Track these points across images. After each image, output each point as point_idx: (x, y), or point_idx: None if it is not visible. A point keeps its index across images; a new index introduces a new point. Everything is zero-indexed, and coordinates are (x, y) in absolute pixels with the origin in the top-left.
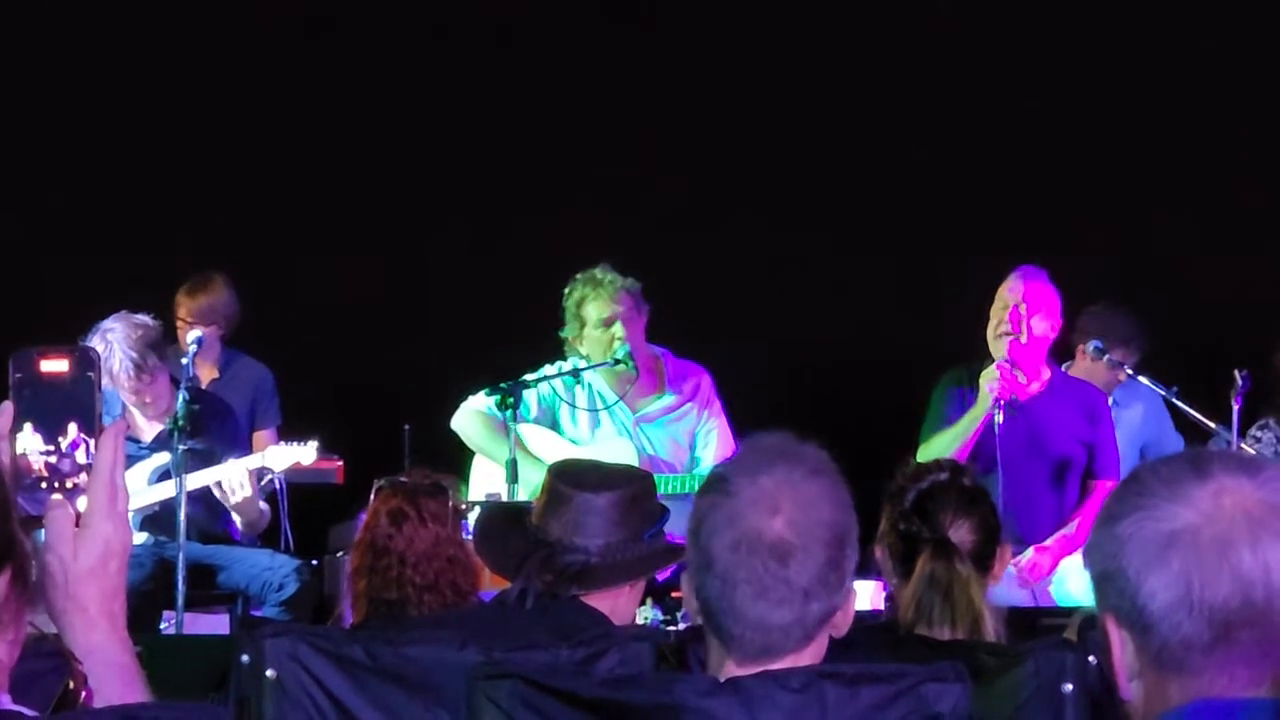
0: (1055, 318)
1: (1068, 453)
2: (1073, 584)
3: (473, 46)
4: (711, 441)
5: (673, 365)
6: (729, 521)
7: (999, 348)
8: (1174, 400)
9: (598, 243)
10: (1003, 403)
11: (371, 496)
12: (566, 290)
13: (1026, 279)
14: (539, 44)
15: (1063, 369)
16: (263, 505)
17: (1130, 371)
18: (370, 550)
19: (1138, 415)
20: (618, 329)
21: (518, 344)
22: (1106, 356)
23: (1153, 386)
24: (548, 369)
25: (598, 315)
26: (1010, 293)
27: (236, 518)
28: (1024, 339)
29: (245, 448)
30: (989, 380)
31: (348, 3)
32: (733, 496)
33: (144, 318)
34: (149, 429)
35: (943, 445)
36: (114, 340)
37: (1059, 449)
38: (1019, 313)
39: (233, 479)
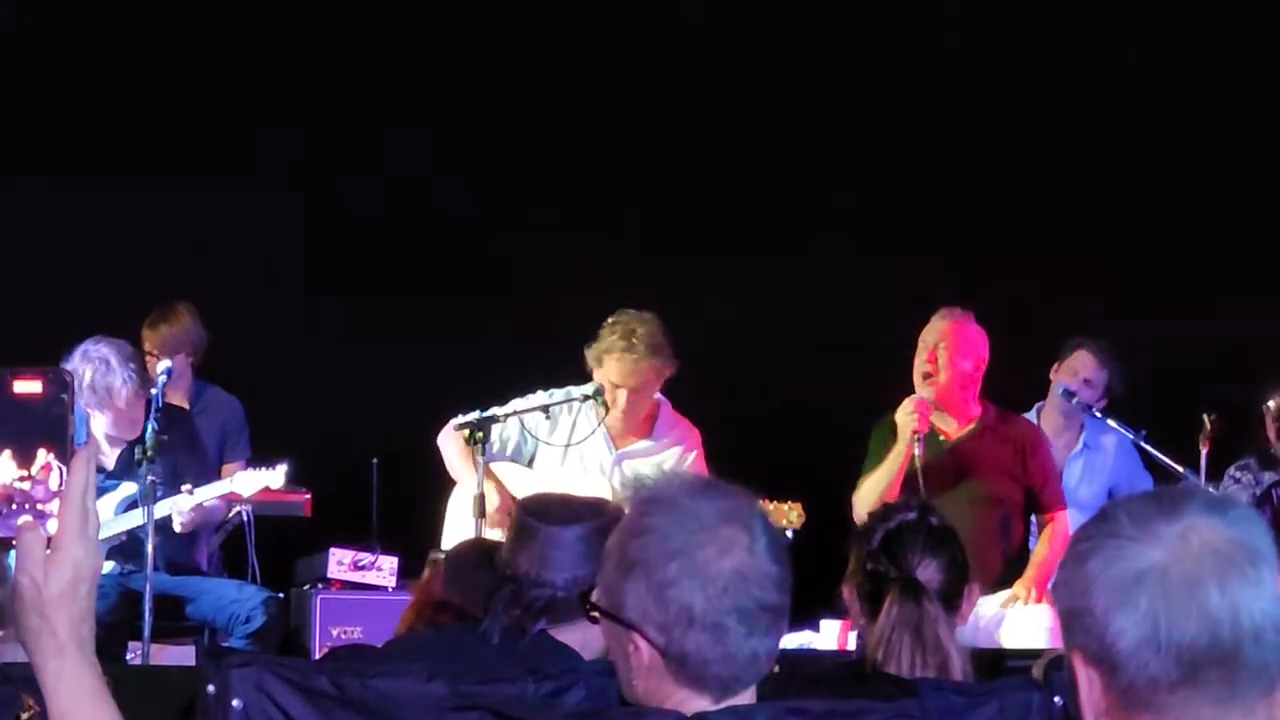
0: (978, 356)
1: (998, 490)
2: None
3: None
4: None
5: (666, 416)
6: (704, 574)
7: (922, 389)
8: (1142, 444)
9: (567, 268)
10: (920, 435)
11: (426, 569)
12: (609, 323)
13: (946, 319)
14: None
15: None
16: (214, 504)
17: (1099, 414)
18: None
19: (1109, 456)
20: (621, 396)
21: (487, 377)
22: (1075, 400)
23: (1120, 429)
24: (518, 403)
25: (609, 377)
26: (930, 333)
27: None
28: (942, 378)
29: (214, 476)
30: (904, 413)
31: None
32: (694, 550)
33: (120, 340)
34: (111, 455)
35: (872, 485)
36: (109, 357)
37: (988, 487)
38: (936, 354)
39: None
